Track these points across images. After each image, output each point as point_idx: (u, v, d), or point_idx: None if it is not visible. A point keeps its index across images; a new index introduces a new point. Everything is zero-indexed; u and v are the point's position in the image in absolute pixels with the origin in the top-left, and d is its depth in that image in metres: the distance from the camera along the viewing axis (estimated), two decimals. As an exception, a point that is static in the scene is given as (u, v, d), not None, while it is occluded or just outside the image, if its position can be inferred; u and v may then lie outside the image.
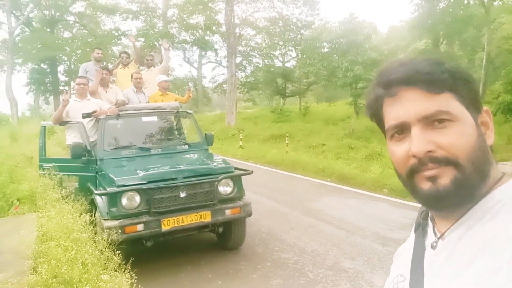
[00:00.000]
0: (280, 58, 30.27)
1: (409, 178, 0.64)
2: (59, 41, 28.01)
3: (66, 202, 3.88)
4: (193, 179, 3.97)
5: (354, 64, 13.83)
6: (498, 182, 0.64)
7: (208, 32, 29.50)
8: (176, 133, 5.30)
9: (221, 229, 4.31)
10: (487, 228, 0.60)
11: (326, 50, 16.38)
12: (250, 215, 4.25)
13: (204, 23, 28.25)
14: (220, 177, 4.07)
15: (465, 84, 0.64)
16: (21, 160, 6.32)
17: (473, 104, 0.64)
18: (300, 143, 13.93)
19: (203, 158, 4.63)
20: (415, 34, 19.42)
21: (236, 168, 4.45)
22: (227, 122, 20.98)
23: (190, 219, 3.86)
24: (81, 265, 2.25)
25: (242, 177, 4.38)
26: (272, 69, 27.24)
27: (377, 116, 0.71)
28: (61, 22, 29.33)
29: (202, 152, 4.92)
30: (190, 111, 5.44)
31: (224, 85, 28.55)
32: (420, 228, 0.75)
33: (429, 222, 0.73)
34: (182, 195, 3.86)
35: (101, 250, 2.77)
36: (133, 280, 2.61)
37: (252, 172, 4.37)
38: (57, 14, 27.84)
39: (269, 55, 29.36)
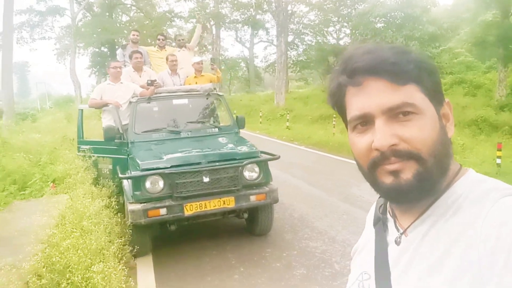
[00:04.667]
0: (334, 35, 29.15)
1: (370, 171, 0.63)
2: (118, 25, 29.21)
3: (95, 185, 4.00)
4: (217, 163, 3.90)
5: (410, 40, 12.93)
6: (457, 175, 0.64)
7: (259, 11, 29.09)
8: (208, 115, 5.24)
9: (246, 215, 4.23)
10: (451, 224, 0.59)
11: (380, 25, 15.41)
12: (276, 201, 4.11)
13: (255, 1, 27.85)
14: (245, 162, 3.96)
15: (429, 75, 0.63)
16: (64, 141, 6.67)
17: (436, 96, 0.64)
18: (348, 124, 13.39)
19: (231, 142, 4.54)
20: (481, 4, 17.57)
21: (263, 152, 4.30)
22: (276, 102, 20.77)
23: (213, 205, 3.81)
24: (77, 254, 2.27)
25: (280, 160, 4.24)
26: (325, 47, 26.30)
27: (339, 105, 0.68)
28: (119, 6, 30.43)
29: (231, 136, 4.82)
30: (221, 93, 5.34)
31: (275, 65, 28.17)
32: (381, 223, 0.73)
33: (389, 217, 0.72)
34: (206, 180, 3.81)
35: (109, 238, 2.79)
36: (125, 272, 2.58)
37: (279, 157, 4.20)
38: (115, -2, 28.92)
39: (322, 32, 28.36)
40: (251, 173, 4.05)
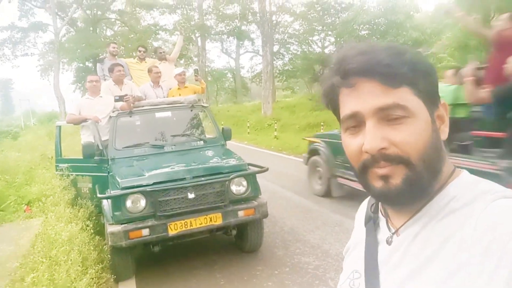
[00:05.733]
0: (319, 44, 29.33)
1: (361, 172, 0.64)
2: (102, 39, 28.95)
3: (73, 205, 3.76)
4: (203, 178, 3.70)
5: (394, 46, 12.96)
6: (450, 177, 0.64)
7: (244, 22, 29.17)
8: (193, 128, 5.04)
9: (234, 232, 4.03)
10: (443, 225, 0.59)
11: (364, 32, 15.50)
12: (266, 216, 3.92)
13: (240, 12, 27.94)
14: (231, 176, 3.77)
15: (425, 77, 0.62)
16: (43, 160, 6.39)
17: (431, 98, 0.63)
18: (337, 132, 13.33)
19: (217, 155, 4.35)
20: (463, 9, 17.86)
21: (250, 165, 4.12)
22: (263, 112, 20.68)
23: (199, 222, 3.60)
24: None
25: (269, 171, 4.06)
26: (310, 56, 26.41)
27: (333, 105, 0.68)
28: (103, 20, 30.20)
29: (217, 148, 4.64)
30: (206, 105, 5.16)
31: (262, 75, 28.17)
32: (371, 222, 0.73)
33: (381, 216, 0.72)
34: (191, 196, 3.61)
35: (81, 268, 2.55)
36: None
37: (267, 169, 4.02)
38: (99, 13, 28.65)
39: (306, 41, 28.52)
40: (238, 187, 3.86)
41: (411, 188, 0.59)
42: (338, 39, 18.28)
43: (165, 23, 30.07)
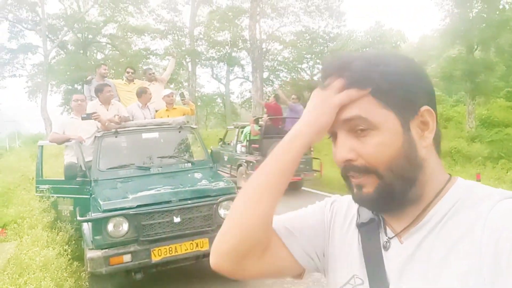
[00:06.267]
0: (308, 71, 29.83)
1: (344, 179, 0.66)
2: (92, 62, 28.96)
3: (52, 229, 3.54)
4: (189, 201, 3.55)
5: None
6: (448, 183, 0.64)
7: (234, 48, 29.61)
8: (181, 150, 4.91)
9: (221, 259, 3.84)
10: (449, 229, 0.59)
11: (352, 60, 15.83)
12: (255, 242, 3.75)
13: (230, 39, 28.39)
14: (220, 199, 3.63)
15: (399, 87, 0.60)
16: (22, 181, 6.15)
17: (406, 107, 0.61)
18: (326, 158, 13.26)
19: (205, 178, 4.21)
20: (447, 41, 18.43)
21: (239, 188, 3.99)
22: (253, 137, 20.62)
23: (184, 248, 3.42)
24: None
25: None
26: (300, 83, 26.78)
27: None
28: (94, 44, 30.33)
29: (206, 171, 4.50)
30: (195, 126, 5.06)
31: (251, 100, 28.34)
32: (374, 225, 0.70)
33: (381, 222, 0.71)
34: (176, 220, 3.44)
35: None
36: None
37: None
38: (90, 36, 28.81)
39: (296, 68, 28.99)
40: (227, 211, 3.70)
41: (382, 196, 0.61)
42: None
43: (156, 47, 30.15)
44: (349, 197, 0.77)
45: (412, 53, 21.15)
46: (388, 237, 0.67)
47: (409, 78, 0.62)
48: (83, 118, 4.40)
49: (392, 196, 0.61)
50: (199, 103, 32.11)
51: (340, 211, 0.78)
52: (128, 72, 6.10)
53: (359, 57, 0.62)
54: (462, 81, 15.12)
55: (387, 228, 0.68)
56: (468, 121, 14.35)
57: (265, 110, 9.43)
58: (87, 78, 6.25)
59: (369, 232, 0.71)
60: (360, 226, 0.73)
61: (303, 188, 9.22)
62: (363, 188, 0.62)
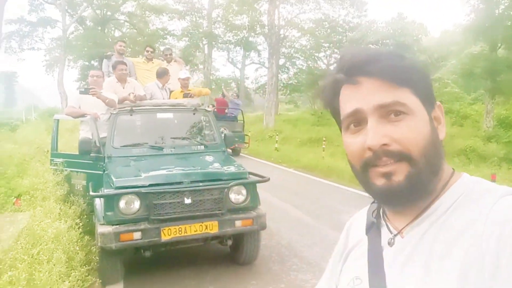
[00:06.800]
0: (325, 60, 29.41)
1: (363, 171, 0.64)
2: (110, 40, 29.00)
3: (65, 202, 3.59)
4: (201, 184, 3.55)
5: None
6: (452, 177, 0.65)
7: (252, 33, 29.31)
8: (194, 132, 4.90)
9: (230, 242, 3.86)
10: (452, 222, 0.60)
11: (371, 51, 15.52)
12: (264, 228, 3.76)
13: (248, 23, 28.08)
14: (231, 183, 3.62)
15: (422, 79, 0.64)
16: (37, 153, 6.23)
17: (428, 99, 0.65)
18: (338, 149, 13.18)
19: (217, 161, 4.21)
20: (469, 37, 17.91)
21: (251, 174, 3.98)
22: (265, 124, 20.58)
23: (194, 229, 3.44)
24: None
25: (267, 183, 3.90)
26: (315, 72, 26.46)
27: (333, 104, 0.69)
28: (112, 21, 30.30)
29: (218, 154, 4.49)
30: (209, 109, 5.04)
31: (266, 86, 28.17)
32: (374, 228, 0.72)
33: (382, 221, 0.72)
34: (187, 201, 3.45)
35: (65, 270, 2.37)
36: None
37: (268, 179, 3.88)
38: (109, 13, 28.79)
39: (313, 57, 28.62)
40: (237, 196, 3.71)
41: (413, 185, 0.60)
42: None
43: (174, 28, 29.98)
44: (365, 209, 0.79)
45: (432, 48, 20.66)
46: (393, 234, 0.67)
47: (427, 74, 0.66)
48: (81, 92, 4.43)
49: (421, 184, 0.61)
50: (213, 86, 32.05)
51: (356, 231, 0.79)
52: (147, 51, 6.08)
53: (382, 51, 0.65)
54: (482, 79, 14.75)
55: (389, 225, 0.69)
56: (485, 120, 14.04)
57: (215, 102, 13.56)
58: (107, 54, 6.26)
59: (373, 234, 0.72)
60: (367, 231, 0.74)
61: (241, 154, 13.62)
62: (392, 176, 0.61)
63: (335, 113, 0.69)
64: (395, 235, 0.67)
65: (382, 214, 0.73)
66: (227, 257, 4.23)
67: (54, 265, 2.25)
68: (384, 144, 0.60)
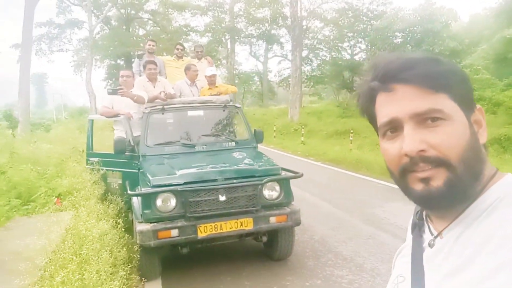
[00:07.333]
0: (349, 51, 28.88)
1: (401, 177, 0.64)
2: (134, 38, 29.48)
3: (103, 201, 3.69)
4: (235, 181, 3.57)
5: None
6: (493, 179, 0.64)
7: (274, 26, 29.10)
8: (225, 129, 4.92)
9: (265, 238, 3.87)
10: (485, 225, 0.60)
11: (398, 40, 15.09)
12: (298, 224, 3.75)
13: (270, 16, 27.90)
14: (265, 180, 3.62)
15: (461, 83, 0.64)
16: (73, 153, 6.42)
17: (467, 103, 0.64)
18: (366, 140, 12.97)
19: (249, 157, 4.21)
20: (502, 21, 17.11)
21: (284, 169, 3.96)
22: (290, 117, 20.48)
23: (229, 226, 3.47)
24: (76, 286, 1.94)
25: (295, 179, 3.88)
26: (339, 62, 26.01)
27: (369, 112, 0.69)
28: (136, 20, 30.78)
29: (249, 150, 4.50)
30: (238, 105, 5.04)
31: (289, 79, 27.94)
32: (417, 229, 0.74)
33: (425, 222, 0.73)
34: (222, 198, 3.48)
35: (112, 269, 2.44)
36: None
37: (302, 174, 3.85)
38: (133, 12, 29.25)
39: (336, 47, 28.15)
40: (271, 192, 3.70)
41: (452, 190, 0.60)
42: (371, 47, 17.82)
43: (196, 24, 30.21)
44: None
45: (462, 33, 19.87)
46: (434, 236, 0.68)
47: (466, 77, 0.65)
48: (109, 93, 4.51)
49: (461, 190, 0.60)
50: (236, 81, 32.12)
51: (403, 248, 0.80)
52: (177, 49, 6.13)
53: (417, 57, 0.64)
54: (517, 65, 14.12)
55: (431, 226, 0.70)
56: (521, 107, 13.44)
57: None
58: (139, 53, 6.37)
59: (417, 234, 0.73)
60: (412, 230, 0.75)
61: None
62: (431, 181, 0.60)
63: (372, 119, 0.69)
64: (435, 237, 0.68)
65: (425, 215, 0.73)
66: (261, 253, 4.24)
67: (102, 264, 2.32)
68: (421, 150, 0.60)
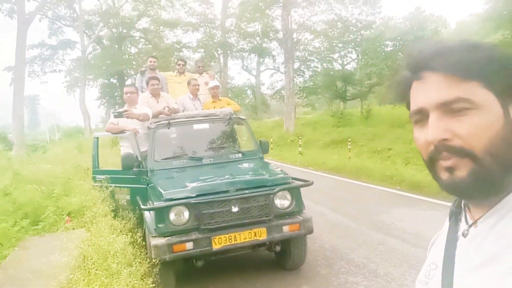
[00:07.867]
0: (340, 61, 29.26)
1: (430, 165, 0.64)
2: (127, 56, 29.63)
3: (113, 217, 3.68)
4: (246, 191, 3.58)
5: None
6: None
7: (265, 39, 29.45)
8: (230, 140, 4.96)
9: (278, 248, 3.87)
10: None
11: (389, 48, 15.35)
12: (311, 232, 3.76)
13: (261, 30, 28.26)
14: (276, 189, 3.64)
15: (498, 70, 0.60)
16: (78, 171, 6.40)
17: (505, 91, 0.60)
18: (363, 148, 13.06)
19: (258, 168, 4.24)
20: (490, 26, 17.48)
21: (294, 179, 3.98)
22: (286, 128, 20.56)
23: (243, 237, 3.47)
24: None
25: (305, 187, 3.90)
26: (331, 73, 26.32)
27: (405, 99, 0.69)
28: (128, 38, 30.98)
29: (256, 161, 4.53)
30: (243, 117, 5.09)
31: (282, 91, 28.13)
32: (454, 217, 0.74)
33: (462, 211, 0.72)
34: (234, 209, 3.48)
35: (139, 282, 2.43)
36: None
37: (312, 182, 3.88)
38: (124, 31, 29.47)
39: (327, 58, 28.51)
40: (282, 201, 3.72)
41: (477, 182, 0.59)
42: (364, 56, 18.04)
43: (188, 40, 30.43)
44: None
45: (452, 39, 20.19)
46: (468, 225, 0.68)
47: (507, 63, 0.62)
48: (115, 116, 4.56)
49: (489, 182, 0.59)
50: (229, 95, 32.27)
51: (438, 236, 0.81)
52: (179, 64, 6.22)
53: (450, 44, 0.63)
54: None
55: (467, 215, 0.69)
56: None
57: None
58: (141, 69, 6.43)
59: (453, 222, 0.73)
60: (450, 218, 0.75)
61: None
62: (455, 170, 0.60)
63: (408, 107, 0.69)
64: (470, 226, 0.67)
65: (463, 204, 0.72)
66: (273, 263, 4.23)
67: (129, 276, 2.31)
68: (445, 139, 0.59)
